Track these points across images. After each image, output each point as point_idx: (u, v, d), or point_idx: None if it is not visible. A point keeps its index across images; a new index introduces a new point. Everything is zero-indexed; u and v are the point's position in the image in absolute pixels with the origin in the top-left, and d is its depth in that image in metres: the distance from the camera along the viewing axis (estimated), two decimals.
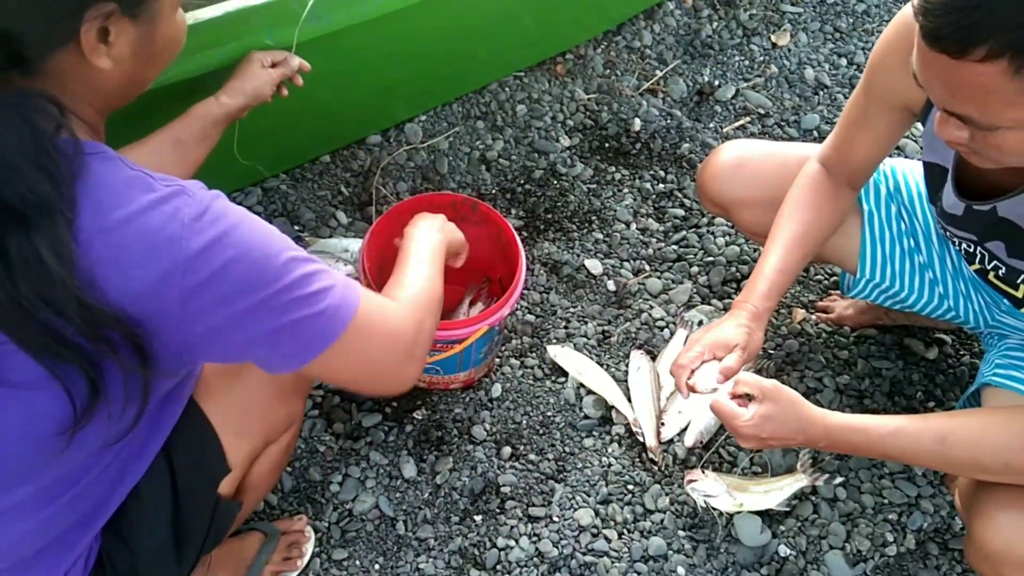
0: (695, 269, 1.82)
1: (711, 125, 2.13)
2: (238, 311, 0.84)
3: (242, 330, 0.85)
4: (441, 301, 1.11)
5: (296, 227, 1.81)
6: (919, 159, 1.27)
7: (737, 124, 2.13)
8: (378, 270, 1.43)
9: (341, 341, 0.90)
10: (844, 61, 2.28)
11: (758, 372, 1.59)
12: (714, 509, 1.40)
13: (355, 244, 1.70)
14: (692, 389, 1.22)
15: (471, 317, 1.45)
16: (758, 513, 1.42)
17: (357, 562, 1.38)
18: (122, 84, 0.88)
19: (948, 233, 1.25)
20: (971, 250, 1.21)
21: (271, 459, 1.18)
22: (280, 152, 1.84)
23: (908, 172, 1.45)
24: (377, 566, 1.38)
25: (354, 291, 0.92)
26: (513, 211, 1.90)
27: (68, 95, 0.83)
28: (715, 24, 2.34)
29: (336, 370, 0.94)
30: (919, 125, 1.23)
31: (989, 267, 1.21)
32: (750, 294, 1.30)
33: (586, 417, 1.58)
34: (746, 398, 1.16)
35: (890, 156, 1.39)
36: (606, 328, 1.72)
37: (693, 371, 1.22)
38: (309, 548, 1.38)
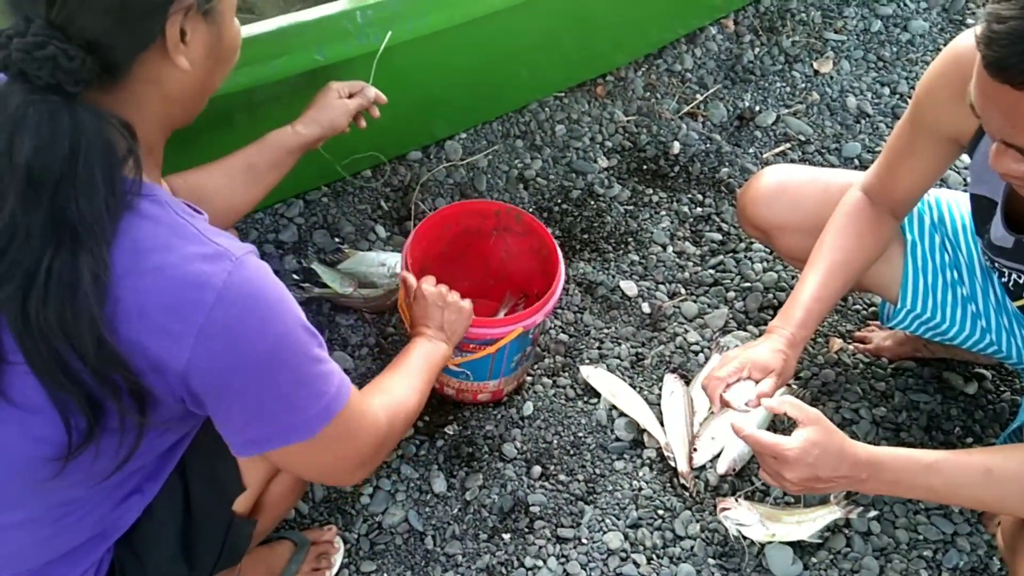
0: (731, 294, 1.81)
1: (751, 150, 2.12)
2: (236, 384, 0.85)
3: (230, 402, 0.86)
4: (416, 416, 1.14)
5: (336, 239, 1.83)
6: (964, 190, 1.26)
7: (777, 150, 2.12)
8: (420, 270, 1.44)
9: (317, 438, 0.91)
10: (887, 90, 2.27)
11: None
12: (745, 538, 1.39)
13: (392, 258, 1.72)
14: (725, 403, 1.21)
15: (506, 318, 1.46)
16: (790, 544, 1.40)
17: (385, 575, 1.39)
18: (194, 91, 0.90)
19: (997, 265, 1.23)
20: (1021, 282, 1.20)
21: (288, 479, 1.17)
22: (323, 165, 1.87)
23: (953, 203, 1.43)
24: None
25: (346, 392, 0.93)
26: (550, 230, 1.90)
27: (142, 108, 0.85)
28: (757, 50, 2.34)
29: (297, 460, 0.96)
30: (964, 157, 1.21)
31: None
32: (787, 320, 1.29)
33: (617, 439, 1.57)
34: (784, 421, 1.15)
35: (934, 187, 1.38)
36: (640, 350, 1.72)
37: (729, 386, 1.22)
38: (338, 559, 1.38)
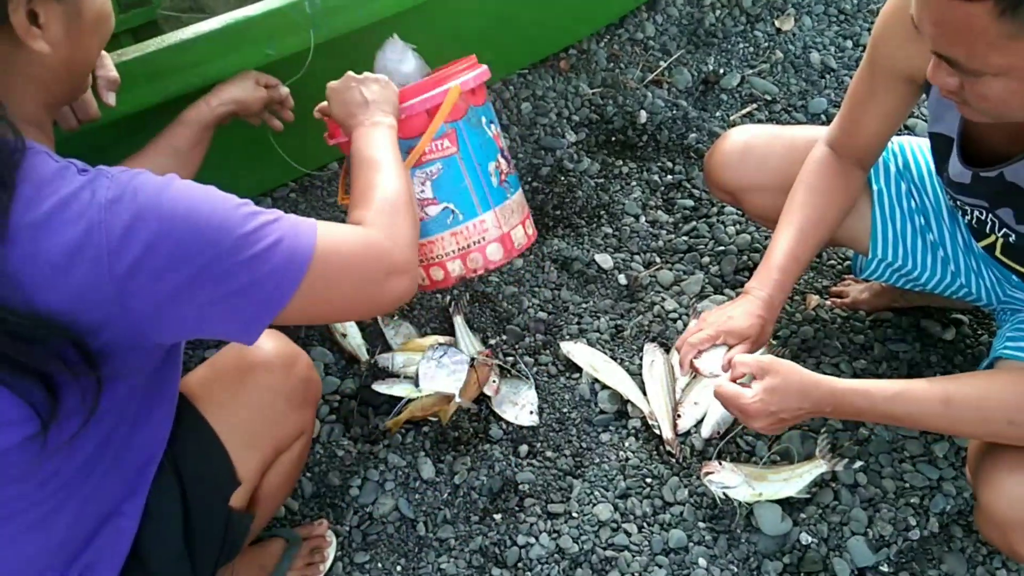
0: (706, 259, 1.81)
1: (717, 114, 2.12)
2: (176, 285, 0.81)
3: (186, 303, 0.83)
4: (410, 195, 1.07)
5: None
6: (926, 132, 1.26)
7: (744, 111, 2.11)
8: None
9: (304, 287, 0.87)
10: (850, 43, 2.26)
11: None
12: (733, 500, 1.40)
13: None
14: (695, 370, 1.25)
15: (431, 78, 1.30)
16: (778, 501, 1.41)
17: (379, 564, 1.39)
18: (62, 69, 0.88)
19: (958, 203, 1.24)
20: (983, 218, 1.20)
21: (283, 469, 1.19)
22: (288, 161, 1.86)
23: (917, 149, 1.43)
24: (399, 568, 1.39)
25: (306, 234, 0.89)
26: None
27: (8, 90, 0.83)
28: (718, 12, 2.33)
29: (312, 314, 0.93)
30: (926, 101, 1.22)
31: (1000, 235, 1.20)
32: (763, 281, 1.29)
33: (602, 412, 1.58)
34: (748, 380, 1.17)
35: (897, 134, 1.38)
36: (619, 322, 1.72)
37: (700, 352, 1.24)
38: (331, 553, 1.39)
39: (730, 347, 1.24)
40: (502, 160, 1.41)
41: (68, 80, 0.90)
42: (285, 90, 1.43)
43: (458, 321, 1.67)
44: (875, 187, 1.42)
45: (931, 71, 0.94)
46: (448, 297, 1.74)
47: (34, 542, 0.92)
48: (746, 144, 1.49)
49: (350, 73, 1.27)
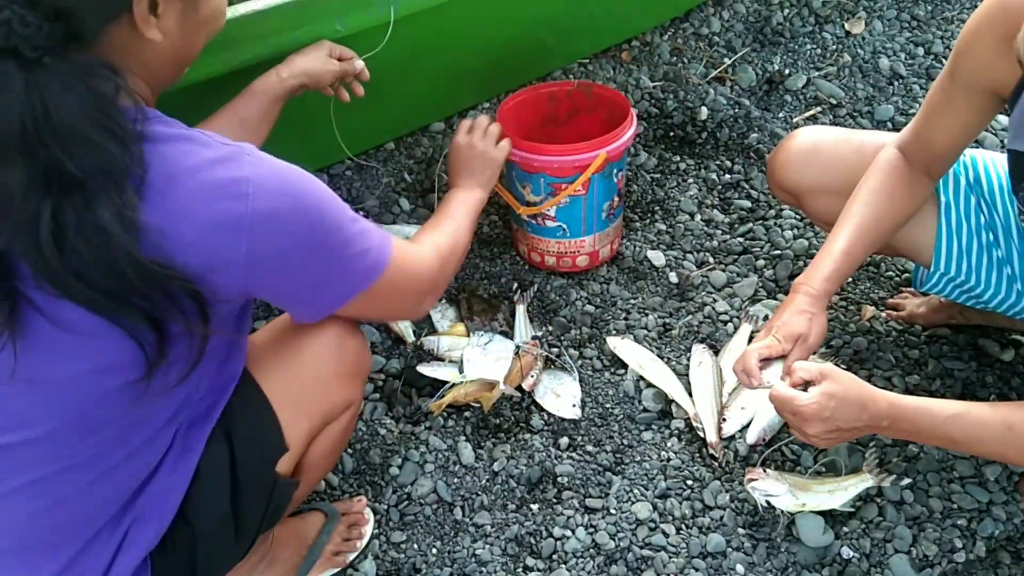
0: (761, 262, 1.79)
1: (780, 115, 2.08)
2: (295, 262, 0.93)
3: (295, 278, 0.95)
4: (466, 250, 1.30)
5: (360, 213, 1.82)
6: (1002, 150, 1.22)
7: (808, 114, 2.07)
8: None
9: (374, 287, 1.02)
10: (921, 51, 2.20)
11: None
12: (775, 509, 1.38)
13: (415, 231, 1.71)
14: (758, 382, 1.22)
15: (587, 143, 1.58)
16: (821, 513, 1.39)
17: (415, 545, 1.40)
18: (171, 57, 0.92)
19: None
20: None
21: (330, 439, 1.19)
22: (347, 137, 1.87)
23: (989, 163, 1.39)
24: (434, 550, 1.39)
25: (388, 242, 1.05)
26: None
27: (122, 69, 0.86)
28: (786, 11, 2.28)
29: (359, 311, 1.07)
30: (1000, 118, 1.18)
31: None
32: (812, 275, 1.28)
33: (645, 410, 1.56)
34: (804, 387, 1.14)
35: (970, 147, 1.34)
36: (667, 321, 1.70)
37: (763, 365, 1.22)
38: (368, 530, 1.40)
39: (787, 355, 1.21)
40: (616, 199, 1.70)
41: (172, 68, 0.95)
42: (360, 63, 1.43)
43: (520, 309, 1.67)
44: (943, 199, 1.38)
45: None
46: (516, 285, 1.74)
47: (100, 492, 0.95)
48: (814, 144, 1.46)
49: (473, 140, 1.50)
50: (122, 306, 0.83)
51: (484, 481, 1.47)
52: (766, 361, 1.23)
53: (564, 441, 1.52)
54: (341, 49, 1.42)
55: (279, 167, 0.90)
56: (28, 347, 0.85)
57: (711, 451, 1.49)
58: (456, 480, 1.47)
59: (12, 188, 0.79)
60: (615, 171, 1.65)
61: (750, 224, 1.85)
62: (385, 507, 1.44)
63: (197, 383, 0.98)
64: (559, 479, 1.47)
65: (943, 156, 1.29)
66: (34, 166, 0.79)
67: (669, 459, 1.49)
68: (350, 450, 1.50)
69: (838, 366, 1.56)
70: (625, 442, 1.52)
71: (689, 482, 1.46)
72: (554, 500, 1.44)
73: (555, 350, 1.64)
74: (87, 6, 0.82)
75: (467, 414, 1.55)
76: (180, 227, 0.83)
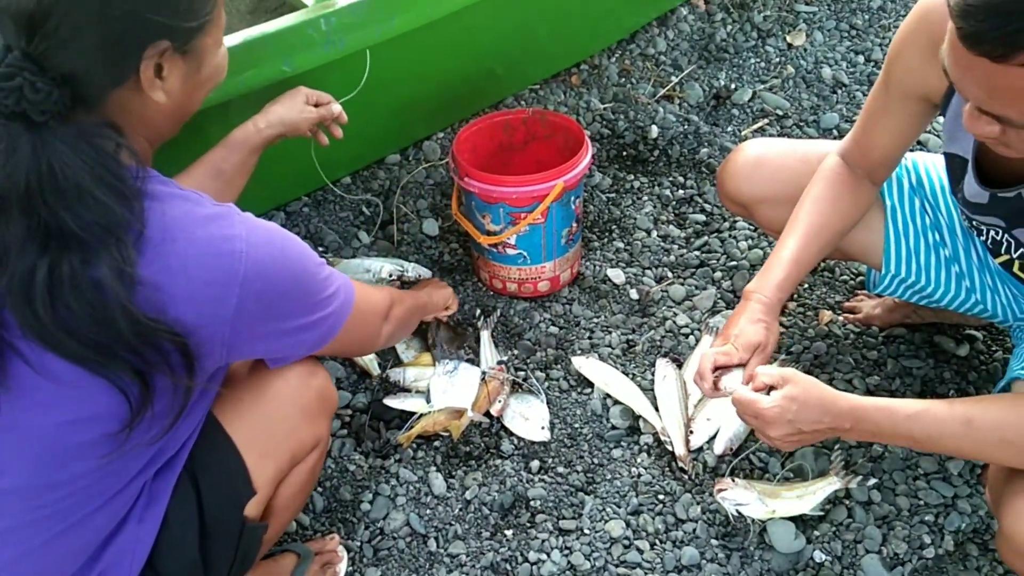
0: (718, 274, 1.81)
1: (729, 129, 2.12)
2: (275, 315, 0.97)
3: (272, 331, 0.98)
4: (413, 316, 1.43)
5: (319, 248, 1.83)
6: (940, 151, 1.26)
7: (755, 126, 2.12)
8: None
9: (344, 329, 1.07)
10: (861, 59, 2.26)
11: None
12: (746, 517, 1.39)
13: (376, 264, 1.72)
14: (718, 391, 1.23)
15: (544, 173, 1.61)
16: (792, 519, 1.40)
17: None
18: (172, 115, 0.95)
19: (974, 223, 1.23)
20: (998, 238, 1.20)
21: (299, 479, 1.19)
22: (302, 174, 1.87)
23: (931, 166, 1.43)
24: None
25: (349, 286, 1.09)
26: None
27: (123, 126, 0.89)
28: (729, 27, 2.34)
29: (337, 346, 1.11)
30: (940, 118, 1.21)
31: (1016, 255, 1.19)
32: (763, 283, 1.30)
33: (614, 428, 1.57)
34: (767, 391, 1.16)
35: (911, 151, 1.38)
36: (630, 337, 1.72)
37: (721, 375, 1.24)
38: (343, 568, 1.38)
39: (746, 363, 1.23)
40: (575, 224, 1.74)
41: (172, 124, 0.98)
42: (338, 107, 1.44)
43: (484, 335, 1.68)
44: (888, 202, 1.42)
45: (969, 121, 0.92)
46: (479, 311, 1.74)
47: (68, 544, 0.94)
48: (759, 156, 1.50)
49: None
50: (111, 360, 0.84)
51: (457, 510, 1.46)
52: (724, 369, 1.24)
53: (535, 464, 1.52)
54: (318, 94, 1.42)
55: (262, 224, 0.95)
56: (9, 396, 0.85)
57: (680, 464, 1.50)
58: (428, 511, 1.46)
59: (9, 244, 0.81)
60: (572, 198, 1.68)
61: (705, 237, 1.88)
62: (358, 543, 1.43)
63: (173, 434, 0.98)
64: (532, 503, 1.47)
65: (883, 162, 1.32)
66: (33, 223, 0.81)
67: (640, 475, 1.50)
68: (320, 488, 1.49)
69: (800, 371, 1.59)
70: (595, 461, 1.53)
71: (660, 496, 1.47)
72: (528, 524, 1.44)
73: (521, 373, 1.65)
74: (95, 72, 0.85)
75: (436, 444, 1.55)
76: (175, 281, 0.86)
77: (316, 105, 1.41)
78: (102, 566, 0.97)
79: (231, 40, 1.42)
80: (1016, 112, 0.86)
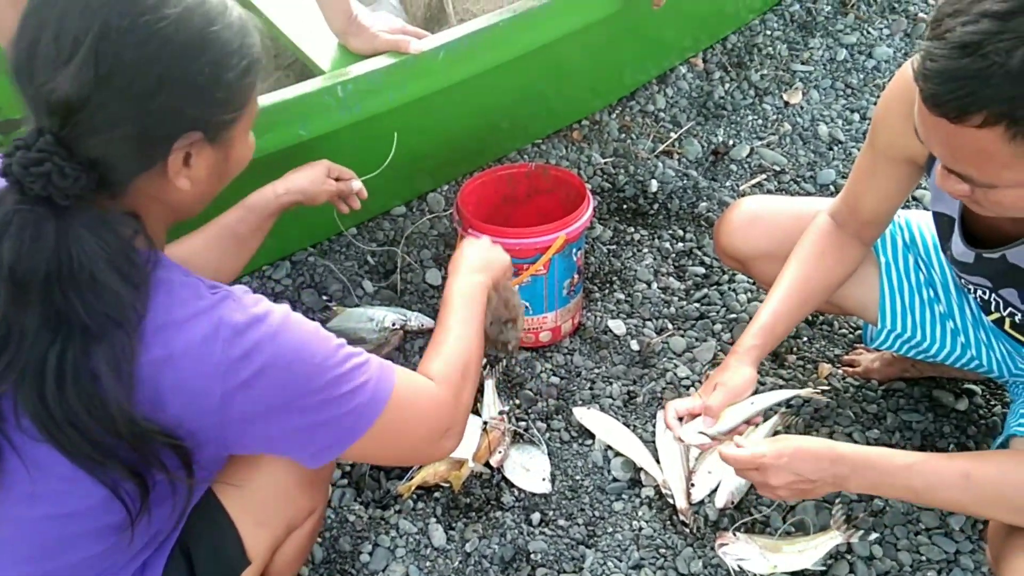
0: (718, 326, 1.83)
1: (727, 184, 2.16)
2: (271, 408, 0.89)
3: (273, 426, 0.91)
4: (480, 360, 1.15)
5: (323, 297, 1.85)
6: (930, 209, 1.29)
7: (753, 181, 2.16)
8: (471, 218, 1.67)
9: (373, 431, 0.95)
10: (857, 116, 2.32)
11: (786, 429, 1.58)
12: (748, 572, 1.38)
13: (379, 313, 1.74)
14: (678, 438, 1.32)
15: (547, 226, 1.63)
16: (793, 574, 1.39)
17: None
18: (195, 200, 0.94)
19: (963, 280, 1.25)
20: (986, 297, 1.22)
21: (294, 546, 1.15)
22: (311, 226, 1.90)
23: (923, 224, 1.46)
24: None
25: (388, 380, 0.97)
26: None
27: (144, 212, 0.89)
28: (727, 85, 2.40)
29: (371, 455, 1.03)
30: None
31: (1005, 314, 1.21)
32: (741, 338, 1.36)
33: (615, 480, 1.57)
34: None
35: (906, 208, 1.41)
36: (631, 388, 1.73)
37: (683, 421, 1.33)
38: None
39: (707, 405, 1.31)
40: (576, 276, 1.76)
41: (191, 207, 0.96)
42: (358, 184, 1.46)
43: (488, 384, 1.69)
44: (883, 259, 1.44)
45: (940, 180, 0.96)
46: (484, 360, 1.75)
47: None
48: (755, 213, 1.53)
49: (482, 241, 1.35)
50: (107, 459, 0.83)
51: (457, 563, 1.46)
52: (691, 419, 1.32)
53: (536, 517, 1.52)
54: (340, 169, 1.44)
55: (262, 312, 0.89)
56: (2, 488, 0.85)
57: (682, 517, 1.50)
58: (428, 564, 1.46)
59: (25, 331, 0.80)
60: (574, 250, 1.71)
61: (705, 290, 1.90)
62: None
63: (168, 520, 0.98)
64: (532, 556, 1.46)
65: (872, 221, 1.35)
66: (48, 310, 0.80)
67: (641, 528, 1.50)
68: (320, 539, 1.48)
69: (798, 424, 1.60)
70: (597, 514, 1.53)
71: (662, 550, 1.47)
72: None
73: (523, 423, 1.65)
74: (124, 159, 0.84)
75: (437, 495, 1.55)
76: (169, 376, 0.84)
77: (337, 179, 1.44)
78: None
79: None
80: (977, 172, 0.90)
